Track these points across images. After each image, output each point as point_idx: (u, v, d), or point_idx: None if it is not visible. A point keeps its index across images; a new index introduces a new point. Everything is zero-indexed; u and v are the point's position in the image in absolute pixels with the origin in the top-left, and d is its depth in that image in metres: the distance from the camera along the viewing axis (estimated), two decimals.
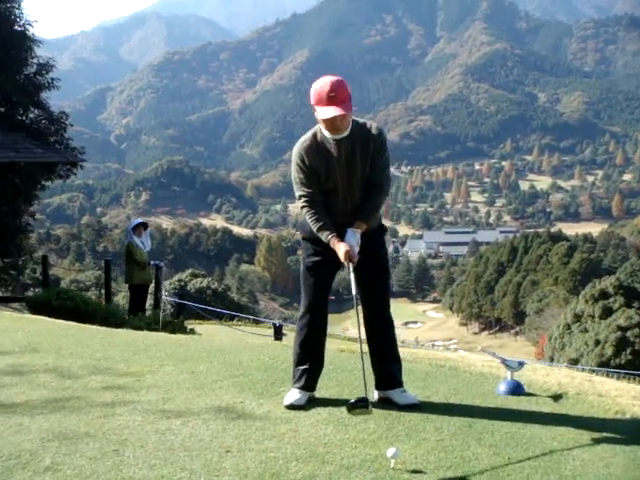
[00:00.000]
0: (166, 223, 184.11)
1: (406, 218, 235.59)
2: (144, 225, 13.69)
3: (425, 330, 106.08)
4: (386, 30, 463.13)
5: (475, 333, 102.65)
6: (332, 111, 4.32)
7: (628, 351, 42.82)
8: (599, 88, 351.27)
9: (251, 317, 24.17)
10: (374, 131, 4.60)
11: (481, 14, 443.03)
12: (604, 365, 37.56)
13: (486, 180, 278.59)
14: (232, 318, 22.12)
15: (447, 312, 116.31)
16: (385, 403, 4.76)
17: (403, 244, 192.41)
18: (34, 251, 22.29)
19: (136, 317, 12.00)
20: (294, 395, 4.72)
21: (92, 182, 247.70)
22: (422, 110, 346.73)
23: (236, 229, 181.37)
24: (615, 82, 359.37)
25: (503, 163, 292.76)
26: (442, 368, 5.91)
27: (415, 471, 3.57)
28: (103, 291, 17.72)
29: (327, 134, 4.51)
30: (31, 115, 18.10)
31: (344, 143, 4.51)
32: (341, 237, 4.53)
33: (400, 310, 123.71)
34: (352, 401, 3.73)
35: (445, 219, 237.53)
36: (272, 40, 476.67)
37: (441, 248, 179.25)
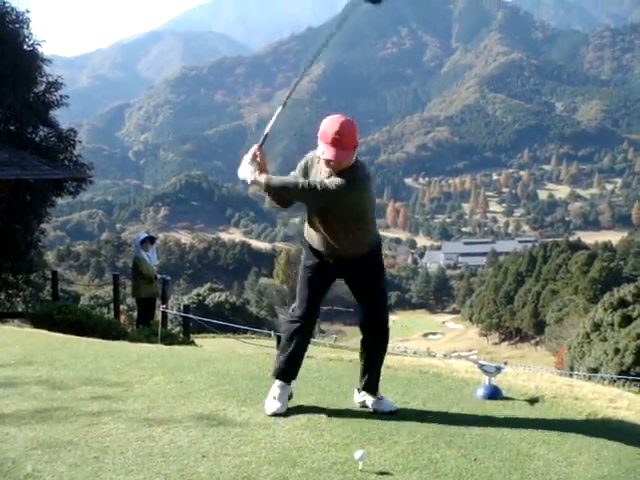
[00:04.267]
0: (185, 238, 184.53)
1: (424, 229, 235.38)
2: (151, 239, 13.80)
3: (445, 341, 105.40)
4: (401, 42, 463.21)
5: (495, 343, 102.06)
6: (328, 153, 4.46)
7: None
8: (617, 96, 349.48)
9: (265, 331, 24.22)
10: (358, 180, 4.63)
11: (496, 25, 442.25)
12: (624, 374, 37.25)
13: (504, 190, 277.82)
14: (245, 331, 22.17)
15: (466, 323, 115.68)
16: (364, 409, 4.85)
17: (422, 255, 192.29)
18: (45, 267, 22.44)
19: (137, 330, 12.11)
20: (275, 404, 4.78)
21: (111, 198, 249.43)
22: (439, 121, 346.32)
23: (254, 243, 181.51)
24: (633, 90, 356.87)
25: (521, 173, 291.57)
26: (425, 374, 5.97)
27: (382, 472, 3.66)
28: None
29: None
30: (40, 133, 18.25)
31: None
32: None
33: (419, 321, 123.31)
34: None
35: (464, 230, 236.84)
36: (287, 54, 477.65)
37: (460, 259, 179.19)
